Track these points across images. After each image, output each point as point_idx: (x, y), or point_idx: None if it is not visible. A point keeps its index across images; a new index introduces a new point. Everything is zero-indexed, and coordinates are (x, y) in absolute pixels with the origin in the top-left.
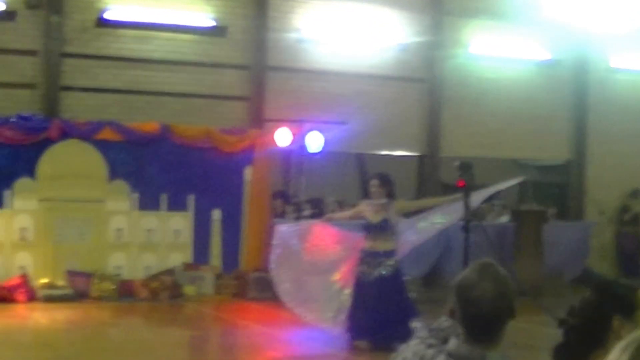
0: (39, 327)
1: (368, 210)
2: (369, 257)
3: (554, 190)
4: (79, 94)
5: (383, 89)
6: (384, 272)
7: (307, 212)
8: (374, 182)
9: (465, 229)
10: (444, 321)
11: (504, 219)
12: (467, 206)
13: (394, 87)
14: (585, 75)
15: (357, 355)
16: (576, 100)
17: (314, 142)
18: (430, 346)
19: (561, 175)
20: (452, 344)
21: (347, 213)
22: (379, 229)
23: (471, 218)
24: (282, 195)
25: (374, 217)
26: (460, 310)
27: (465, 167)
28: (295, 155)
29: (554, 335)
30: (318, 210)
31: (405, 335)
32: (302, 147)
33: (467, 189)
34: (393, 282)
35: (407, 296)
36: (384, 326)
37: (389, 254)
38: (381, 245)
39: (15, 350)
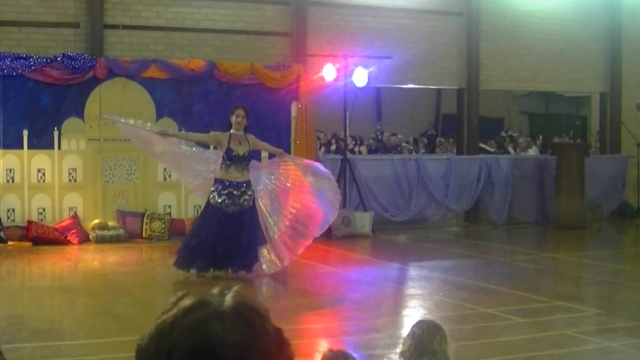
0: (92, 269)
1: (232, 141)
2: (232, 188)
3: (575, 122)
4: (122, 32)
5: (422, 23)
6: (247, 204)
7: (333, 147)
8: (241, 112)
9: None
10: None
11: (532, 151)
12: None
13: (433, 21)
14: (619, 7)
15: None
16: (610, 32)
17: (360, 77)
18: None
19: (583, 107)
20: None
21: (201, 135)
22: (245, 160)
23: None
24: None
25: (239, 149)
26: None
27: None
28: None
29: (617, 269)
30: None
31: (254, 260)
32: (347, 82)
33: None
34: (251, 212)
35: (259, 224)
36: (240, 254)
37: (249, 184)
38: (243, 177)
39: (68, 294)
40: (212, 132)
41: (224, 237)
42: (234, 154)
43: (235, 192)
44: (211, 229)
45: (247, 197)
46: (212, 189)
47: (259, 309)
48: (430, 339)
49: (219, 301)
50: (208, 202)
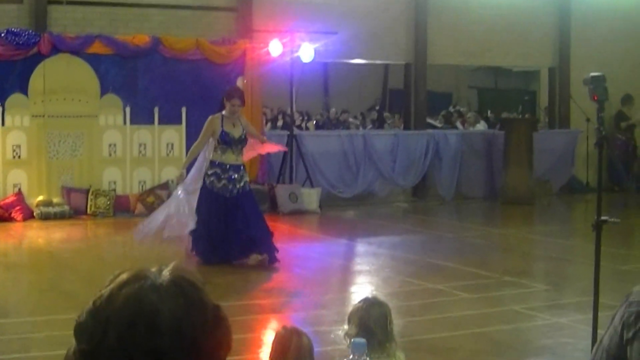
0: (36, 246)
1: (225, 123)
2: (232, 172)
3: (524, 97)
4: (66, 7)
5: None
6: (247, 187)
7: (279, 123)
8: (237, 102)
9: (600, 145)
10: None
11: (480, 126)
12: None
13: None
14: None
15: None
16: (559, 6)
17: (306, 52)
18: None
19: (532, 82)
20: None
21: (203, 138)
22: (241, 143)
23: (602, 136)
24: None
25: (234, 131)
26: None
27: (597, 80)
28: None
29: (565, 245)
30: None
31: (271, 247)
32: (294, 58)
33: (600, 103)
34: (251, 195)
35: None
36: (253, 241)
37: (244, 168)
38: (238, 160)
39: (12, 271)
40: (206, 125)
41: (230, 223)
42: (229, 137)
43: (235, 176)
44: (216, 217)
45: (247, 180)
46: (209, 172)
47: (196, 283)
48: (374, 317)
49: (155, 275)
50: (206, 187)
